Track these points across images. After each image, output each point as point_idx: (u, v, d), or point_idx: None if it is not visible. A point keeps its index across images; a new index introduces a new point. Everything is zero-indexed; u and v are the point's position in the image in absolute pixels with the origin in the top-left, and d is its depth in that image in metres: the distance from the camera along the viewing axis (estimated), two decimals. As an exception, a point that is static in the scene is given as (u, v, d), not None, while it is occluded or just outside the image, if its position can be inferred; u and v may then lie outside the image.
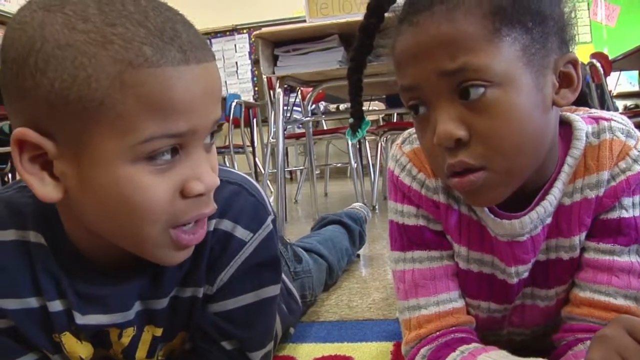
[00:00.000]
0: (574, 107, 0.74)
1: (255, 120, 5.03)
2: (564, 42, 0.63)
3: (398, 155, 0.78)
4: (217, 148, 0.65)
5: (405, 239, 0.77)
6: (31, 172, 0.56)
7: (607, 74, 3.20)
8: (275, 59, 2.31)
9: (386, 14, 0.70)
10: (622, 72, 4.83)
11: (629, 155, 0.67)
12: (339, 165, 5.46)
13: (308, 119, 3.21)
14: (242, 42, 6.79)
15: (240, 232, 0.71)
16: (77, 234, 0.65)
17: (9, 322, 0.68)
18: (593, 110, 0.74)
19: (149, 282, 0.69)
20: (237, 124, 4.35)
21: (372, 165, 3.69)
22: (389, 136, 3.43)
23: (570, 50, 0.64)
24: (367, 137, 4.19)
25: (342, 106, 4.64)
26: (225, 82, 6.67)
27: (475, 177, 0.60)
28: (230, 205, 0.71)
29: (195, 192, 0.58)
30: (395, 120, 4.39)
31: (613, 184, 0.67)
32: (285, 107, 2.86)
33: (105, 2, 0.53)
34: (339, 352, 0.98)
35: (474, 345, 0.70)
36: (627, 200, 0.68)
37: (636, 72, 5.08)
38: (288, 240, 1.36)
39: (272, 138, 3.49)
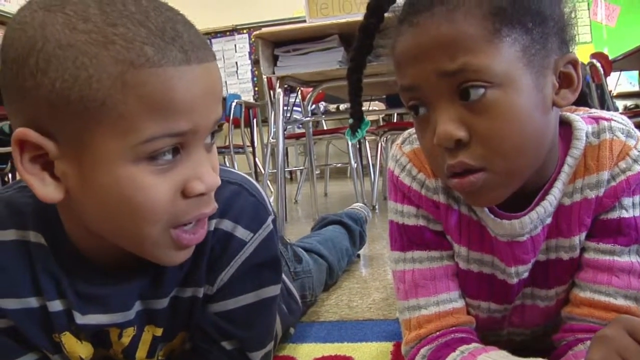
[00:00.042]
0: (574, 107, 0.74)
1: (255, 120, 5.03)
2: (564, 42, 0.63)
3: (398, 155, 0.78)
4: (217, 148, 0.65)
5: (405, 239, 0.77)
6: (32, 173, 0.56)
7: (607, 74, 3.20)
8: (275, 59, 2.31)
9: (386, 14, 0.70)
10: (622, 72, 4.83)
11: (629, 155, 0.67)
12: (339, 165, 5.46)
13: (308, 119, 3.21)
14: (242, 42, 6.79)
15: (241, 232, 0.71)
16: (77, 234, 0.65)
17: (9, 322, 0.68)
18: (593, 110, 0.74)
19: (149, 282, 0.69)
20: (237, 124, 4.35)
21: (372, 165, 3.69)
22: (389, 136, 3.43)
23: (571, 50, 0.64)
24: (367, 137, 4.19)
25: (342, 106, 4.64)
26: (226, 82, 6.67)
27: (475, 177, 0.60)
28: (231, 205, 0.71)
29: (197, 191, 0.58)
30: (395, 121, 4.39)
31: (613, 184, 0.67)
32: (285, 107, 2.87)
33: (106, 2, 0.53)
34: (339, 352, 0.98)
35: (474, 345, 0.70)
36: (627, 200, 0.68)
37: (636, 72, 5.08)
38: (288, 241, 1.36)
39: (272, 138, 3.49)
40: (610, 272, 0.68)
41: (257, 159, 4.93)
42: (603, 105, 3.07)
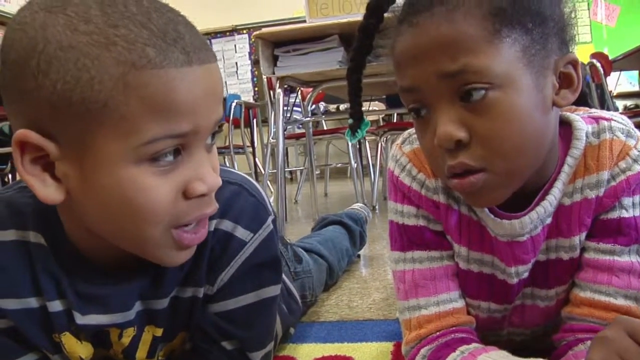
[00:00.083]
0: (574, 107, 0.74)
1: (255, 120, 5.03)
2: (564, 42, 0.63)
3: (398, 155, 0.78)
4: (217, 148, 0.65)
5: (405, 239, 0.77)
6: (32, 174, 0.56)
7: (607, 74, 3.20)
8: (275, 59, 2.31)
9: (386, 15, 0.70)
10: (622, 72, 4.83)
11: (629, 155, 0.67)
12: (339, 165, 5.45)
13: (308, 119, 3.21)
14: (242, 43, 6.79)
15: (241, 232, 0.71)
16: (77, 235, 0.65)
17: (9, 322, 0.68)
18: (593, 110, 0.74)
19: (149, 282, 0.69)
20: (237, 125, 4.35)
21: (372, 165, 3.69)
22: (389, 136, 3.43)
23: (571, 50, 0.64)
24: (367, 138, 4.19)
25: (342, 106, 4.63)
26: (225, 82, 6.66)
27: (476, 178, 0.60)
28: (231, 205, 0.71)
29: (198, 192, 0.58)
30: (395, 121, 4.38)
31: (613, 183, 0.67)
32: (285, 108, 2.87)
33: (107, 3, 0.53)
34: (339, 352, 0.98)
35: (474, 345, 0.70)
36: (627, 200, 0.68)
37: (636, 72, 5.08)
38: (288, 241, 1.36)
39: (272, 138, 3.49)
40: (610, 272, 0.68)
41: (257, 159, 4.93)
42: (603, 105, 3.07)
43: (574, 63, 0.64)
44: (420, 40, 0.60)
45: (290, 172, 6.15)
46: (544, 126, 0.62)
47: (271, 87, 3.87)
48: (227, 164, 4.11)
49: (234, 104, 4.11)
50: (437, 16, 0.59)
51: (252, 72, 6.79)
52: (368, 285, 1.46)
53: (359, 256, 1.77)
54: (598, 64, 3.05)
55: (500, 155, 0.60)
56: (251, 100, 6.06)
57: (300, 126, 4.22)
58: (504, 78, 0.58)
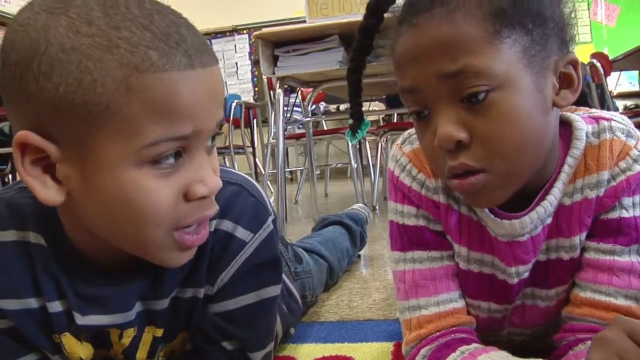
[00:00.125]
0: (574, 107, 0.74)
1: (255, 120, 5.02)
2: (564, 42, 0.63)
3: (398, 155, 0.78)
4: (217, 149, 0.65)
5: (405, 239, 0.77)
6: (33, 175, 0.56)
7: (607, 74, 3.20)
8: (275, 60, 2.31)
9: (386, 15, 0.70)
10: (622, 72, 4.83)
11: (629, 155, 0.67)
12: (339, 165, 5.45)
13: (308, 119, 3.21)
14: (242, 43, 6.79)
15: (241, 233, 0.71)
16: (77, 235, 0.65)
17: (9, 322, 0.68)
18: (593, 110, 0.74)
19: (149, 282, 0.69)
20: (237, 125, 4.34)
21: (373, 165, 3.69)
22: (389, 136, 3.43)
23: (571, 50, 0.64)
24: (367, 138, 4.18)
25: (342, 106, 4.63)
26: (226, 82, 6.67)
27: (476, 179, 0.60)
28: (231, 205, 0.71)
29: (199, 195, 0.58)
30: (395, 121, 4.38)
31: (613, 183, 0.67)
32: (286, 108, 2.87)
33: (109, 5, 0.53)
34: (339, 352, 0.98)
35: (474, 345, 0.70)
36: (627, 200, 0.68)
37: (636, 72, 5.08)
38: (289, 241, 1.36)
39: (272, 138, 3.49)
40: (610, 272, 0.68)
41: (257, 160, 4.93)
42: (603, 105, 3.07)
43: (574, 63, 0.64)
44: (421, 41, 0.60)
45: (291, 172, 6.15)
46: (544, 127, 0.62)
47: (271, 87, 3.87)
48: (227, 164, 4.12)
49: (234, 104, 4.11)
50: (438, 17, 0.59)
51: (252, 72, 6.79)
52: (368, 285, 1.46)
53: (359, 256, 1.77)
54: (598, 64, 3.05)
55: (501, 155, 0.60)
56: (251, 101, 6.06)
57: (301, 126, 4.22)
58: (504, 79, 0.58)
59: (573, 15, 0.64)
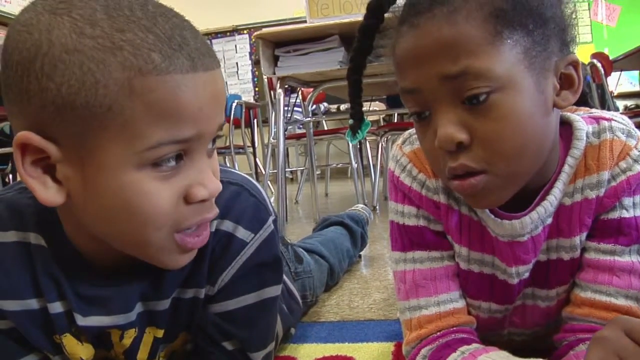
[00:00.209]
0: (574, 107, 0.74)
1: (255, 120, 5.02)
2: (564, 43, 0.63)
3: (398, 155, 0.78)
4: (217, 149, 0.65)
5: (405, 239, 0.77)
6: (33, 176, 0.56)
7: (607, 74, 3.20)
8: (275, 60, 2.31)
9: (386, 15, 0.69)
10: (622, 72, 4.82)
11: (629, 155, 0.67)
12: (339, 165, 5.45)
13: (309, 119, 3.21)
14: (243, 43, 6.79)
15: (242, 233, 0.71)
16: (78, 237, 0.65)
17: (10, 323, 0.68)
18: (593, 110, 0.74)
19: (150, 283, 0.69)
20: (237, 125, 4.34)
21: (373, 165, 3.69)
22: (389, 136, 3.42)
23: (571, 51, 0.64)
24: (367, 138, 4.18)
25: (342, 106, 4.64)
26: (226, 82, 6.67)
27: (476, 180, 0.60)
28: (232, 206, 0.71)
29: (199, 197, 0.58)
30: (395, 121, 4.39)
31: (613, 184, 0.67)
32: (286, 108, 2.87)
33: (113, 7, 0.53)
34: (339, 352, 0.98)
35: (474, 345, 0.70)
36: (627, 200, 0.68)
37: (637, 72, 5.08)
38: (289, 241, 1.36)
39: (272, 138, 3.49)
40: (611, 272, 0.68)
41: (257, 160, 4.93)
42: (604, 105, 3.07)
43: (575, 64, 0.64)
44: (421, 42, 0.60)
45: (291, 173, 6.15)
46: (545, 127, 0.62)
47: (272, 87, 3.88)
48: (228, 164, 4.11)
49: (234, 104, 4.11)
50: (438, 18, 0.59)
51: (253, 72, 6.79)
52: (369, 285, 1.46)
53: (360, 256, 1.77)
54: (599, 64, 3.05)
55: (501, 157, 0.59)
56: (252, 101, 6.06)
57: (301, 126, 4.22)
58: (505, 80, 0.58)
59: (574, 16, 0.64)
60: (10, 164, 3.58)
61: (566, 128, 0.70)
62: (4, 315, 0.67)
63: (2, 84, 0.55)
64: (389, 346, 0.99)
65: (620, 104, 5.29)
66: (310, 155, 3.38)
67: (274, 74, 2.32)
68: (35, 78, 0.52)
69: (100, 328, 0.68)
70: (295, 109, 4.10)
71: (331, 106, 4.93)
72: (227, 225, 0.71)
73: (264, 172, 4.28)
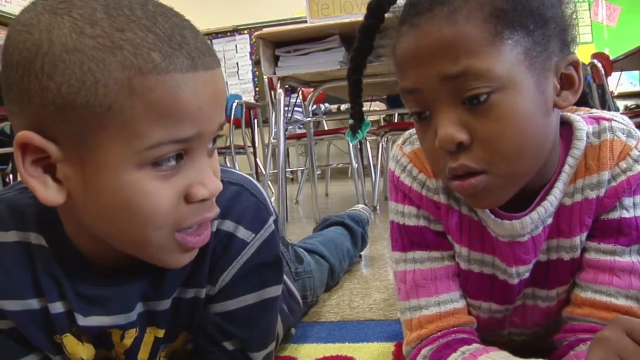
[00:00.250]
0: (574, 107, 0.74)
1: (256, 120, 5.03)
2: (565, 44, 0.63)
3: (399, 155, 0.78)
4: (218, 149, 0.65)
5: (406, 239, 0.77)
6: (34, 176, 0.56)
7: (608, 74, 3.21)
8: (276, 60, 2.31)
9: (386, 15, 0.69)
10: (623, 72, 4.82)
11: (629, 155, 0.67)
12: (340, 165, 5.45)
13: (309, 119, 3.21)
14: (243, 43, 6.79)
15: (242, 233, 0.71)
16: (78, 236, 0.65)
17: (10, 323, 0.68)
18: (594, 110, 0.74)
19: (151, 283, 0.69)
20: (238, 125, 4.35)
21: (373, 165, 3.69)
22: (389, 136, 3.43)
23: (572, 51, 0.64)
24: (368, 138, 4.19)
25: (343, 106, 4.64)
26: (227, 82, 6.67)
27: (477, 180, 0.60)
28: (232, 206, 0.71)
29: (200, 197, 0.58)
30: (396, 121, 4.39)
31: (614, 184, 0.67)
32: (286, 108, 2.87)
33: (113, 6, 0.53)
34: (340, 352, 0.98)
35: (474, 345, 0.70)
36: (627, 200, 0.68)
37: (637, 72, 5.08)
38: (289, 241, 1.36)
39: (273, 138, 3.48)
40: (611, 272, 0.68)
41: (258, 160, 4.93)
42: (604, 105, 3.07)
43: (575, 64, 0.64)
44: (422, 42, 0.60)
45: (291, 173, 6.15)
46: (545, 128, 0.62)
47: (272, 87, 3.88)
48: (228, 164, 4.11)
49: (235, 104, 4.11)
50: (439, 18, 0.58)
51: (253, 72, 6.79)
52: (369, 285, 1.46)
53: (360, 257, 1.77)
54: (599, 64, 3.05)
55: (502, 157, 0.59)
56: (252, 101, 6.07)
57: (301, 126, 4.22)
58: (506, 80, 0.58)
59: (574, 17, 0.64)
60: (10, 164, 3.58)
61: (566, 128, 0.70)
62: (4, 315, 0.67)
63: (2, 84, 0.55)
64: (389, 346, 0.99)
65: (621, 104, 5.29)
66: (310, 155, 3.38)
67: (275, 74, 2.32)
68: (36, 78, 0.52)
69: (100, 328, 0.68)
70: (296, 109, 4.10)
71: (331, 106, 4.93)
72: (228, 225, 0.71)
73: (264, 172, 4.28)
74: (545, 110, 0.62)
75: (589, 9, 5.95)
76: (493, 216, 0.70)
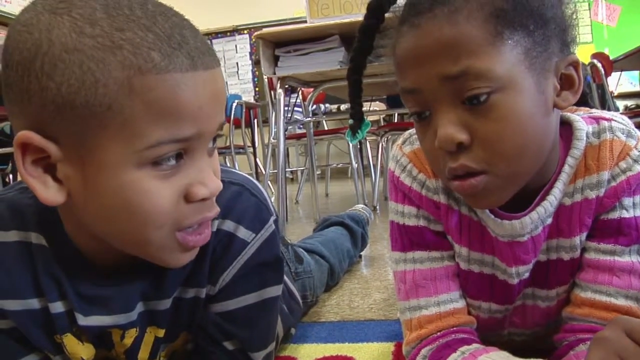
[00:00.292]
0: (574, 107, 0.74)
1: (256, 120, 5.02)
2: (565, 44, 0.63)
3: (398, 155, 0.78)
4: (217, 149, 0.65)
5: (405, 239, 0.77)
6: (34, 175, 0.56)
7: (608, 74, 3.20)
8: (276, 60, 2.31)
9: (386, 15, 0.70)
10: (623, 72, 4.82)
11: (629, 155, 0.67)
12: (339, 165, 5.46)
13: (309, 119, 3.21)
14: (243, 43, 6.79)
15: (243, 233, 0.71)
16: (78, 236, 0.65)
17: (11, 323, 0.68)
18: (594, 110, 0.74)
19: (151, 283, 0.69)
20: (238, 125, 4.35)
21: (373, 165, 3.69)
22: (389, 136, 3.42)
23: (572, 51, 0.64)
24: (367, 138, 4.19)
25: (342, 106, 4.64)
26: (226, 82, 6.67)
27: (477, 180, 0.60)
28: (233, 206, 0.71)
29: (200, 196, 0.58)
30: (396, 121, 4.39)
31: (613, 184, 0.68)
32: (286, 108, 2.87)
33: (112, 5, 0.53)
34: (340, 352, 0.98)
35: (474, 345, 0.70)
36: (627, 200, 0.68)
37: (637, 72, 5.08)
38: (289, 241, 1.36)
39: (273, 138, 3.48)
40: (611, 272, 0.69)
41: (257, 160, 4.93)
42: (604, 105, 3.07)
43: (575, 64, 0.64)
44: (422, 42, 0.60)
45: (291, 173, 6.15)
46: (545, 128, 0.62)
47: (272, 87, 3.88)
48: (228, 164, 4.11)
49: (234, 104, 4.11)
50: (439, 18, 0.58)
51: (253, 72, 6.79)
52: (369, 285, 1.46)
53: (360, 257, 1.77)
54: (599, 64, 3.05)
55: (502, 157, 0.60)
56: (252, 101, 6.07)
57: (301, 126, 4.22)
58: (506, 81, 0.58)
59: (574, 17, 0.64)
60: (10, 164, 3.58)
61: (566, 128, 0.70)
62: (5, 315, 0.67)
63: (2, 84, 0.55)
64: (389, 346, 0.99)
65: (621, 104, 5.29)
66: (310, 155, 3.38)
67: (274, 74, 2.32)
68: (36, 77, 0.52)
69: (101, 328, 0.68)
70: (296, 109, 4.10)
71: (331, 106, 4.93)
72: (229, 225, 0.71)
73: (264, 172, 4.27)
74: (545, 110, 0.62)
75: (589, 9, 5.95)
76: (493, 216, 0.70)
